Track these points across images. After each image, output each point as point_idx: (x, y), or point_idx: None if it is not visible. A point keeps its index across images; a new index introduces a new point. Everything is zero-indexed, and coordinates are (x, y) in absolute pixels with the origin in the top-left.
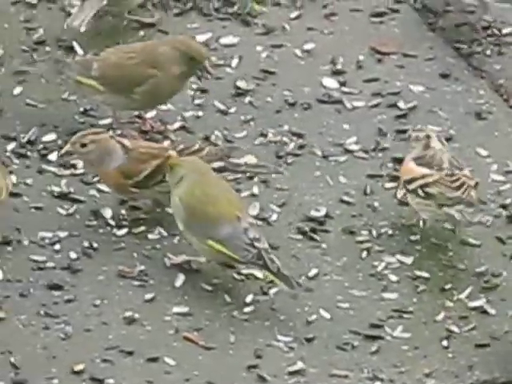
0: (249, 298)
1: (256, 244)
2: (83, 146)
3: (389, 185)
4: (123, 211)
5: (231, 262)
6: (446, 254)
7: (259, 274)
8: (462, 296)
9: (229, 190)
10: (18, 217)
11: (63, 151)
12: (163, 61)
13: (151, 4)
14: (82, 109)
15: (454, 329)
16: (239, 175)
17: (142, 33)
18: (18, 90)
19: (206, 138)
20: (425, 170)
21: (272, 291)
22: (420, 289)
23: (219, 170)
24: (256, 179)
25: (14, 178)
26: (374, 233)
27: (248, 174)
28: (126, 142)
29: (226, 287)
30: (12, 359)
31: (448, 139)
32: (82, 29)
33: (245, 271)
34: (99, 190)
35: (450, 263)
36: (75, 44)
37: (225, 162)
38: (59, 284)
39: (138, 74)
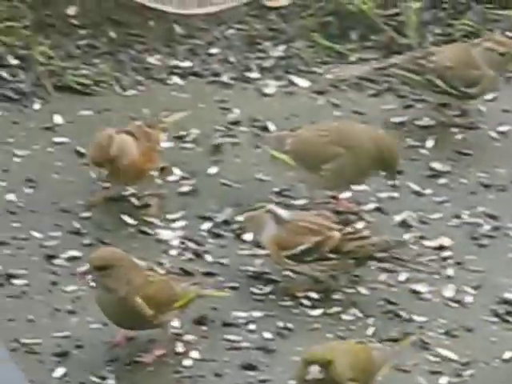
0: (443, 380)
1: None
2: (243, 228)
3: None
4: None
5: None
6: None
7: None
8: None
9: None
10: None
11: (237, 230)
12: (354, 144)
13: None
14: (277, 189)
15: None
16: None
17: (336, 113)
18: (213, 170)
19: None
20: None
21: (466, 373)
22: None
23: (380, 260)
24: (451, 261)
25: (209, 258)
26: None
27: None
28: (283, 214)
29: (420, 369)
30: None
31: None
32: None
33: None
34: (294, 271)
35: None
36: (269, 124)
37: (388, 253)
38: (253, 364)
39: (324, 151)
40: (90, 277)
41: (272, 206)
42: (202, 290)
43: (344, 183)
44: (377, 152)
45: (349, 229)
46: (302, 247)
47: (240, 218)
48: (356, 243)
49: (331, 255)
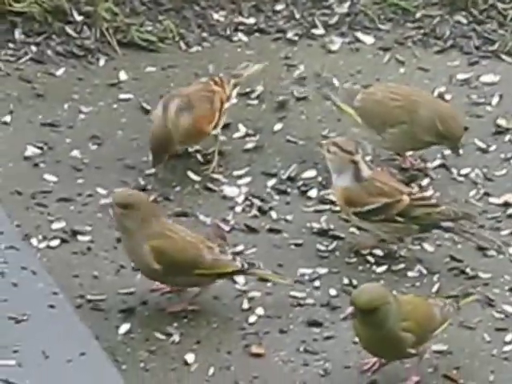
0: (509, 337)
1: None
2: (328, 151)
3: None
4: (379, 250)
5: None
6: None
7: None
8: None
9: None
10: (279, 253)
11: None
12: (421, 117)
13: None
14: None
15: None
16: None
17: (401, 70)
18: (278, 127)
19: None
20: None
21: None
22: None
23: (445, 230)
24: None
25: (274, 214)
26: None
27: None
28: (365, 172)
29: (485, 325)
30: None
31: None
32: None
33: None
34: (359, 228)
35: None
36: (335, 80)
37: (455, 224)
38: (319, 321)
39: (392, 115)
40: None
41: (358, 158)
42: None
43: (406, 149)
44: (441, 129)
45: (419, 194)
46: (371, 207)
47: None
48: (424, 210)
49: (398, 218)
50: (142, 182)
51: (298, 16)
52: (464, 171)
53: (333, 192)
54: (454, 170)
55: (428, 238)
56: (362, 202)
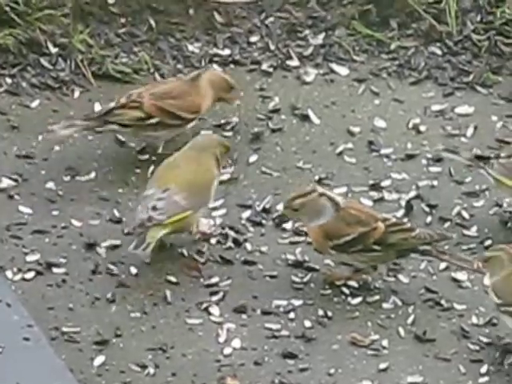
0: (484, 369)
1: None
2: (295, 210)
3: None
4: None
5: None
6: None
7: None
8: None
9: None
10: (254, 284)
11: (277, 217)
12: None
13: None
14: (316, 177)
15: None
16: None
17: (376, 101)
18: (253, 158)
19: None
20: None
21: (507, 361)
22: None
23: (423, 254)
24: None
25: (249, 246)
26: None
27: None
28: (338, 199)
29: (461, 357)
30: None
31: None
32: None
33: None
34: (334, 260)
35: None
36: (310, 112)
37: (432, 247)
38: (294, 353)
39: None
40: None
41: (322, 189)
42: None
43: None
44: None
45: (393, 220)
46: (348, 238)
47: (285, 204)
48: (400, 235)
49: (375, 246)
50: (118, 215)
51: (272, 47)
52: (437, 202)
53: (310, 233)
54: (430, 202)
55: (403, 270)
56: (341, 233)
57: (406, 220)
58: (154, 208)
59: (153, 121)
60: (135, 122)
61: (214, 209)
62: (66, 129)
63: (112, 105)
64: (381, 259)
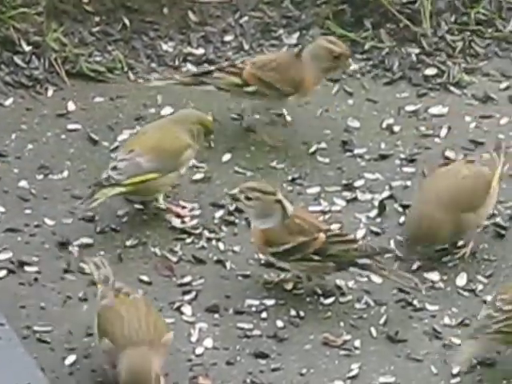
0: (456, 370)
1: None
2: (248, 198)
3: None
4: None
5: None
6: None
7: None
8: None
9: None
10: (226, 284)
11: (230, 193)
12: None
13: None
14: (290, 177)
15: None
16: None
17: (350, 101)
18: (226, 157)
19: None
20: None
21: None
22: None
23: (362, 268)
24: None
25: (221, 246)
26: None
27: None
28: (290, 209)
29: (433, 358)
30: None
31: None
32: None
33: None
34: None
35: None
36: (284, 112)
37: (372, 260)
38: (265, 352)
39: None
40: None
41: (281, 197)
42: None
43: None
44: None
45: (336, 231)
46: (287, 246)
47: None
48: (340, 247)
49: (314, 256)
50: (90, 213)
51: (246, 47)
52: (409, 203)
53: (252, 235)
54: (403, 202)
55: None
56: (282, 241)
57: (347, 231)
58: (115, 168)
59: (250, 89)
60: (232, 88)
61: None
62: (162, 80)
63: (212, 67)
64: (320, 270)
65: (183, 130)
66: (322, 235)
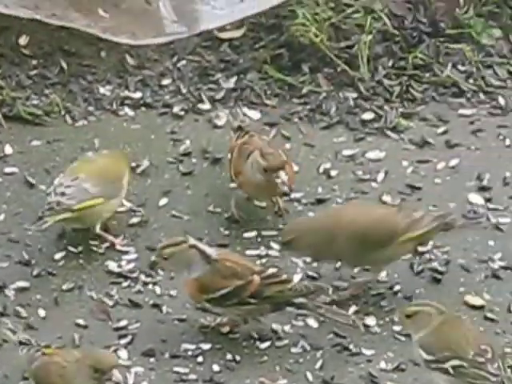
0: None
1: None
2: (165, 259)
3: None
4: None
5: None
6: None
7: None
8: None
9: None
10: (162, 328)
11: (150, 263)
12: None
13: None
14: (226, 221)
15: None
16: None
17: (287, 145)
18: (163, 201)
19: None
20: None
21: None
22: None
23: (298, 307)
24: (400, 294)
25: (158, 290)
26: None
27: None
28: (209, 251)
29: None
30: None
31: None
32: None
33: None
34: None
35: None
36: (221, 156)
37: (307, 299)
38: None
39: None
40: None
41: (193, 241)
42: None
43: None
44: None
45: (269, 271)
46: (223, 291)
47: (157, 252)
48: (275, 287)
49: (250, 300)
50: (26, 257)
51: (184, 91)
52: None
53: (184, 285)
54: None
55: (311, 314)
56: (216, 286)
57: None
58: (63, 194)
59: None
60: None
61: (125, 252)
62: None
63: None
64: (257, 312)
65: (120, 158)
66: (256, 277)
